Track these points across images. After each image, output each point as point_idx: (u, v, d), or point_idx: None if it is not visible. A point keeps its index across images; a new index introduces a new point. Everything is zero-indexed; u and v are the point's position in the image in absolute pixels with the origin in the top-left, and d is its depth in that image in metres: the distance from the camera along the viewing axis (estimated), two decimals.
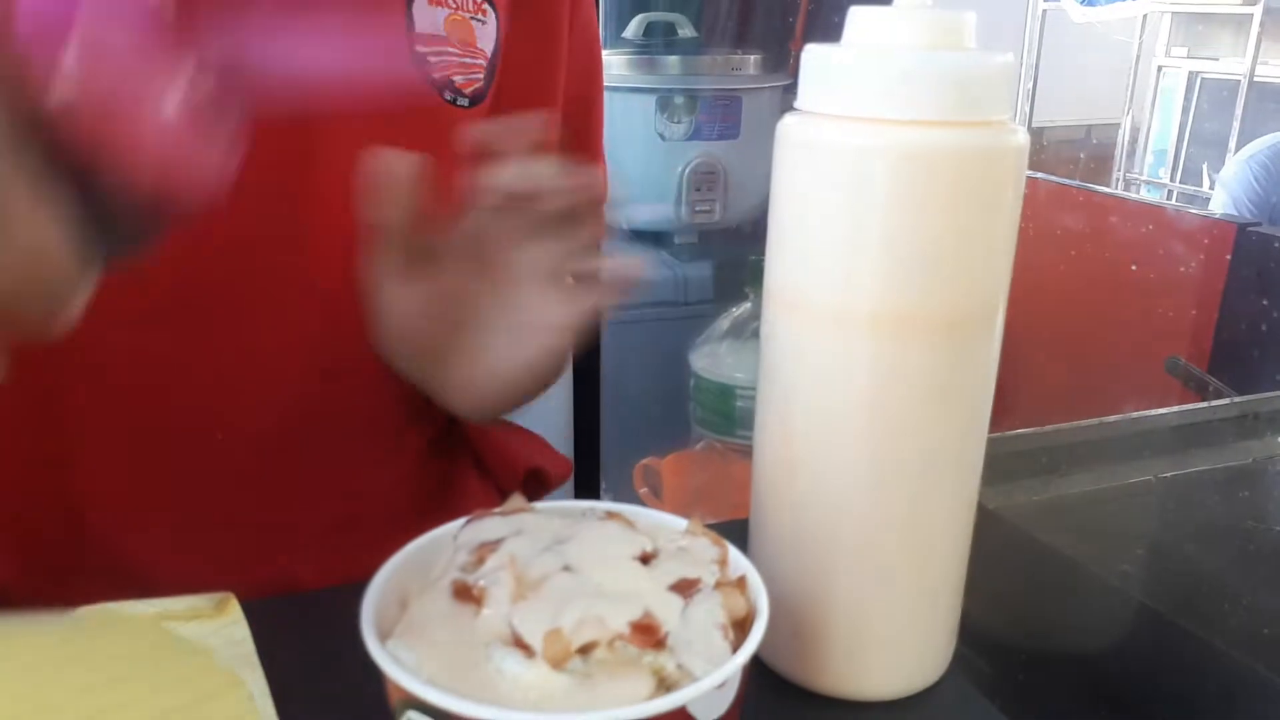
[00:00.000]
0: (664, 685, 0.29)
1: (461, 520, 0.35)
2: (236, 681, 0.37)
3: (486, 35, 0.55)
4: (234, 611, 0.42)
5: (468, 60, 0.54)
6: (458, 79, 0.54)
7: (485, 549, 0.33)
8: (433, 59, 0.52)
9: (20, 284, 0.26)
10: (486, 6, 0.55)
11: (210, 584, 0.45)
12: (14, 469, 0.49)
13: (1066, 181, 2.05)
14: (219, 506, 0.53)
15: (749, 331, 1.51)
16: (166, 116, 0.26)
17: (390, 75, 0.51)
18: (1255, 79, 2.98)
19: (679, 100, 1.78)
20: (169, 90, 0.26)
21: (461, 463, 0.64)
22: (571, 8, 0.59)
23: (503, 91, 0.56)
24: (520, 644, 0.29)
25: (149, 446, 0.51)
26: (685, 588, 0.32)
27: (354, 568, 0.54)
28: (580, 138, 0.63)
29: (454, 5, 0.53)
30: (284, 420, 0.52)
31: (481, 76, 0.55)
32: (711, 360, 1.52)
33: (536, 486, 0.65)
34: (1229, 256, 1.72)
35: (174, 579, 0.49)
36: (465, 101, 0.54)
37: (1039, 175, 2.03)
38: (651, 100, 1.77)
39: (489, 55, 0.55)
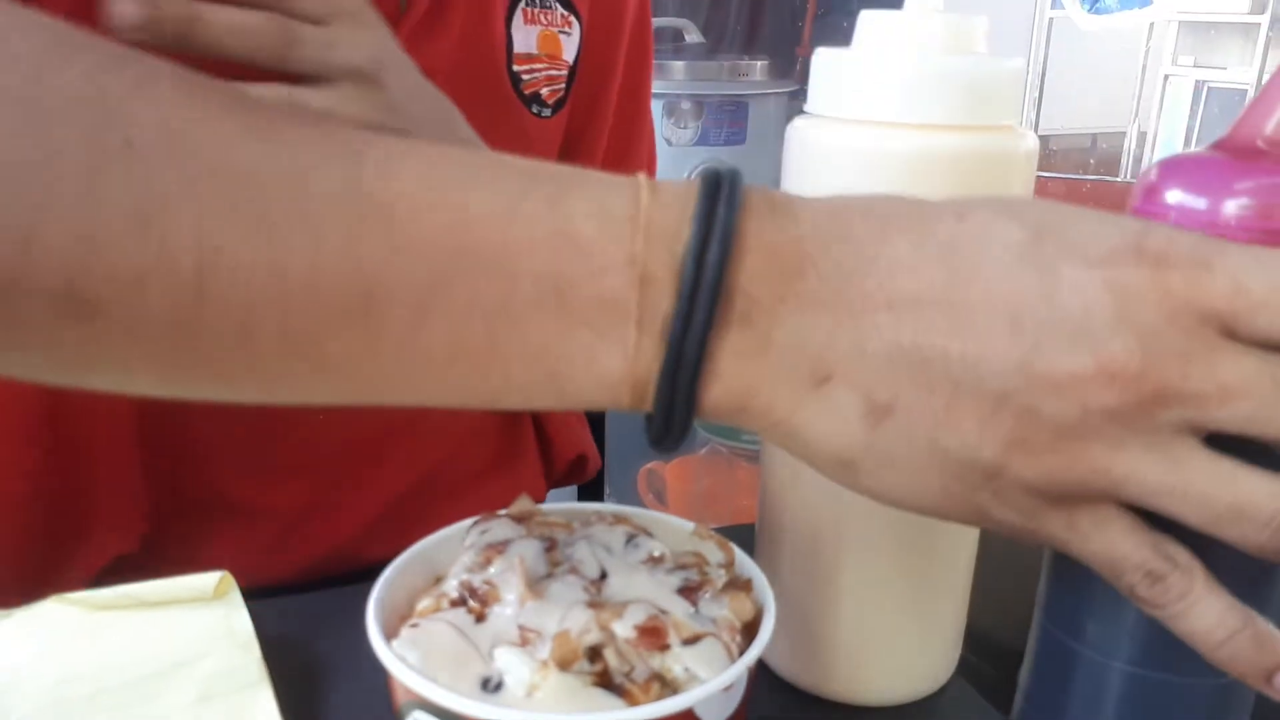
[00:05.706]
0: (670, 688, 0.29)
1: (469, 521, 0.35)
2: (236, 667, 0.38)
3: (571, 46, 0.59)
4: (233, 593, 0.43)
5: (553, 72, 0.58)
6: (544, 91, 0.57)
7: (493, 550, 0.33)
8: (525, 76, 0.56)
9: None
10: (572, 19, 0.58)
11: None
12: (131, 422, 0.50)
13: (1078, 177, 2.04)
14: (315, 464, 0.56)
15: None
16: None
17: (488, 96, 0.55)
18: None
19: (685, 105, 1.78)
20: None
21: (524, 440, 0.66)
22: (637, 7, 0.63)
23: (576, 95, 0.60)
24: (527, 645, 0.29)
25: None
26: (692, 591, 0.32)
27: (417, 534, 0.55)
28: (634, 122, 0.67)
29: (545, 22, 0.57)
30: None
31: (564, 86, 0.59)
32: None
33: (577, 473, 0.69)
34: None
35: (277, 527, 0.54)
36: (548, 112, 0.58)
37: (1049, 175, 2.03)
38: (658, 105, 1.77)
39: (571, 64, 0.59)
